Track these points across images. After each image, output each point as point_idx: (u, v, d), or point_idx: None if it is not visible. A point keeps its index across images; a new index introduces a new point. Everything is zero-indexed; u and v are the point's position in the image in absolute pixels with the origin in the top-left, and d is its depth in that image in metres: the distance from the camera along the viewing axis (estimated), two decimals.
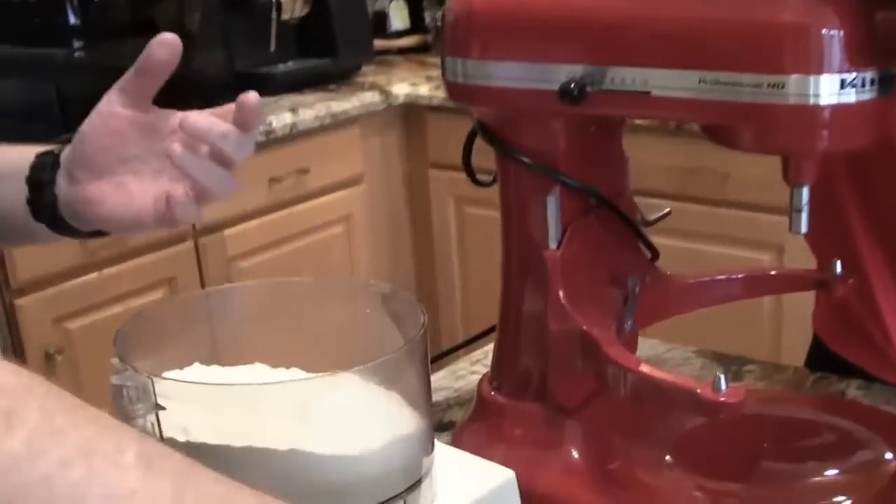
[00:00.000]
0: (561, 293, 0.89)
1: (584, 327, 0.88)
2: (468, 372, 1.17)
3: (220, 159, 0.85)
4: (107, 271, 2.18)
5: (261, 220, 2.46)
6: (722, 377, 0.76)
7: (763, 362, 1.16)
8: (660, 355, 1.18)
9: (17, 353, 2.06)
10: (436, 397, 1.12)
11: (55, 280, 2.11)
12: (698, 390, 0.77)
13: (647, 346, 1.18)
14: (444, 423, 1.07)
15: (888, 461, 0.93)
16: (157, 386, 0.68)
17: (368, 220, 2.71)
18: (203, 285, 2.34)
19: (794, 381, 1.12)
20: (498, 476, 0.81)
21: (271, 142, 2.41)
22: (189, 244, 2.31)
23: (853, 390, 1.09)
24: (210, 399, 0.68)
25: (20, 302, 2.08)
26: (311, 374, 0.70)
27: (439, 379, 1.16)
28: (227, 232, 2.39)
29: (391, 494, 0.73)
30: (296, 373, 0.79)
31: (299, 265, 2.50)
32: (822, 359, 1.15)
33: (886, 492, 0.89)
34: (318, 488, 0.70)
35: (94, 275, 2.16)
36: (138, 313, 0.76)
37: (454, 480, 0.79)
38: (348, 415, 0.71)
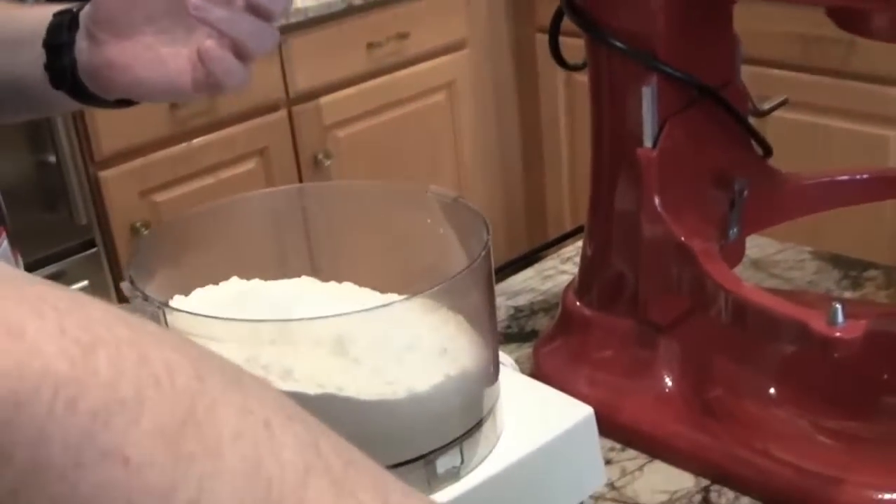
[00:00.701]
0: (656, 197, 0.77)
1: (682, 237, 0.76)
2: (557, 272, 1.06)
3: (256, 9, 0.73)
4: (196, 142, 2.10)
5: (358, 88, 2.35)
6: (839, 308, 0.64)
7: (888, 267, 1.02)
8: (770, 256, 1.05)
9: (103, 227, 2.00)
10: (520, 301, 1.02)
11: (142, 151, 2.03)
12: (809, 323, 0.65)
13: (757, 245, 1.05)
14: (526, 331, 0.97)
15: None
16: (168, 317, 0.58)
17: (472, 88, 2.58)
18: (297, 156, 2.24)
19: None
20: (575, 413, 0.71)
21: (370, 4, 2.28)
22: (282, 113, 2.22)
23: None
24: (225, 333, 0.58)
25: (105, 174, 2.01)
26: (347, 308, 0.59)
27: (525, 280, 1.05)
28: (323, 100, 2.29)
29: (444, 441, 0.63)
30: (344, 290, 0.69)
31: (399, 135, 2.40)
32: None
33: None
34: (355, 439, 0.60)
35: (182, 145, 2.08)
36: (163, 223, 0.66)
37: (523, 417, 0.69)
38: (392, 350, 0.61)
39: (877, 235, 2.05)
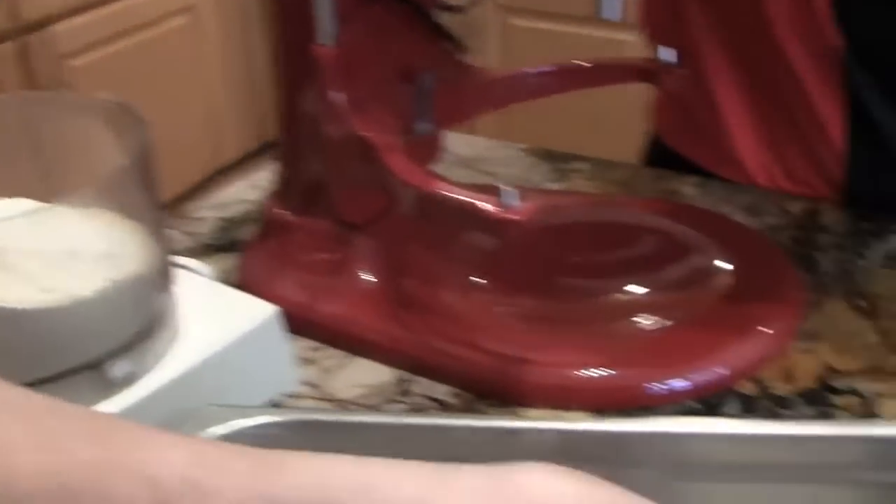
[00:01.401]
0: (337, 94, 0.76)
1: (363, 132, 0.75)
2: (269, 182, 1.04)
3: None
4: None
5: (94, 13, 2.26)
6: (508, 190, 0.65)
7: (595, 159, 1.05)
8: (480, 154, 1.06)
9: None
10: (229, 212, 1.00)
11: None
12: (481, 206, 0.66)
13: (468, 143, 1.06)
14: (235, 241, 0.95)
15: (720, 269, 0.84)
16: None
17: (216, 12, 2.52)
18: (31, 88, 2.16)
19: (627, 180, 1.02)
20: (258, 314, 0.70)
21: None
22: (8, 45, 2.12)
23: (689, 188, 0.99)
24: None
25: None
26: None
27: (237, 191, 1.03)
28: (57, 27, 2.19)
29: (114, 347, 0.61)
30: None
31: (140, 63, 2.33)
32: (659, 155, 1.05)
33: (718, 303, 0.81)
34: (17, 349, 0.58)
35: None
36: None
37: (206, 321, 0.68)
38: (50, 257, 0.59)
39: (586, 129, 2.11)
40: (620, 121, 2.06)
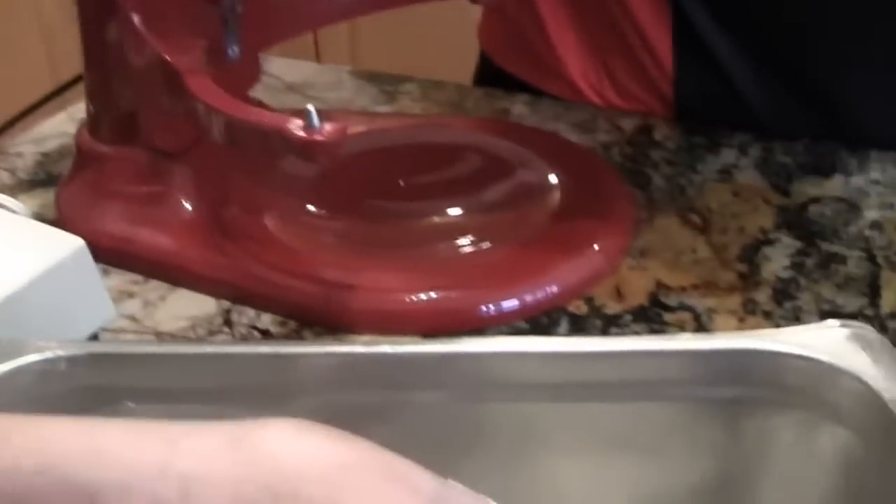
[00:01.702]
0: (136, 17, 0.72)
1: (167, 58, 0.72)
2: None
3: None
4: None
5: None
6: (313, 112, 0.62)
7: (423, 80, 1.02)
8: (308, 79, 1.03)
9: None
10: (47, 146, 0.96)
11: None
12: (288, 129, 0.63)
13: (294, 68, 1.03)
14: (53, 176, 0.91)
15: (548, 187, 0.83)
16: None
17: None
18: None
19: (456, 100, 1.00)
20: (63, 248, 0.67)
21: None
22: None
23: (520, 106, 0.98)
24: None
25: None
26: None
27: (56, 125, 0.99)
28: None
29: None
30: None
31: None
32: (489, 75, 1.04)
33: (547, 222, 0.80)
34: None
35: None
36: None
37: (10, 257, 0.64)
38: None
39: (418, 50, 2.06)
40: (453, 40, 2.02)
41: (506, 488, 0.56)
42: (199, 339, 0.70)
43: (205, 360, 0.51)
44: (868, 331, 0.52)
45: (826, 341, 0.52)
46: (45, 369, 0.51)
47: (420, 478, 0.42)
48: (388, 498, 0.40)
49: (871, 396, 0.50)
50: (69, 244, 0.68)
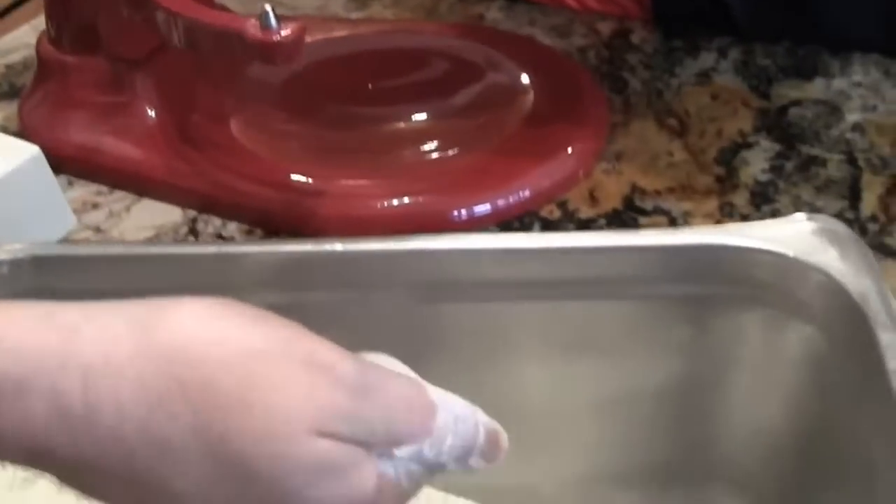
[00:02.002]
0: None
1: None
2: None
3: None
4: None
5: None
6: (270, 12, 0.60)
7: None
8: None
9: None
10: (11, 58, 0.94)
11: None
12: (244, 31, 0.62)
13: None
14: (17, 87, 0.89)
15: (522, 92, 0.81)
16: None
17: None
18: None
19: (429, 5, 0.97)
20: (18, 155, 0.65)
21: None
22: None
23: (494, 12, 0.96)
24: None
25: None
26: None
27: (19, 36, 0.97)
28: None
29: None
30: None
31: None
32: None
33: (520, 126, 0.79)
34: None
35: None
36: None
37: None
38: None
39: None
40: None
41: (468, 389, 0.55)
42: (148, 242, 0.68)
43: (150, 262, 0.50)
44: (837, 225, 0.51)
45: (793, 236, 0.51)
46: None
47: (344, 366, 0.39)
48: (304, 389, 0.38)
49: (838, 291, 0.49)
50: (25, 152, 0.66)
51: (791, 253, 0.49)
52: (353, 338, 0.45)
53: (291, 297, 0.50)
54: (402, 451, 0.41)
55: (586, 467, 0.57)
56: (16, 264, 0.49)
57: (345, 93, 0.80)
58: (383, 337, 0.47)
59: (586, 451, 0.57)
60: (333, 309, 0.50)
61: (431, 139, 0.77)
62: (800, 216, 0.50)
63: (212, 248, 0.50)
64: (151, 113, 0.78)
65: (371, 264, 0.49)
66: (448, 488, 0.59)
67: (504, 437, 0.44)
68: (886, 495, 0.44)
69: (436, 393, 0.42)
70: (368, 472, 0.40)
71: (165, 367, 0.37)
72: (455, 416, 0.42)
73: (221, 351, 0.37)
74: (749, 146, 0.79)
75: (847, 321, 0.48)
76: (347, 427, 0.39)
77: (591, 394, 0.55)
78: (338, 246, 0.48)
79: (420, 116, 0.79)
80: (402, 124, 0.79)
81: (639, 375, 0.55)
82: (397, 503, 0.42)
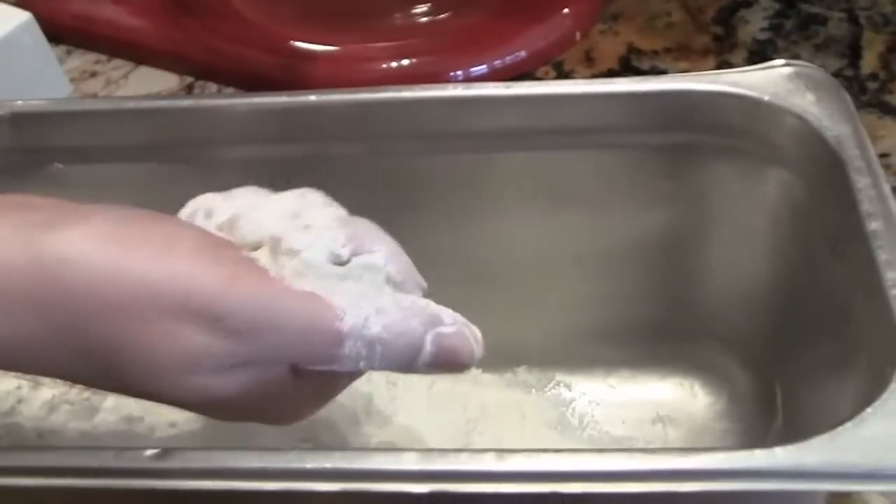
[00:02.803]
0: None
1: None
2: None
3: None
4: None
5: None
6: None
7: None
8: None
9: None
10: None
11: None
12: None
13: None
14: None
15: None
16: None
17: None
18: None
19: None
20: (12, 19, 0.65)
21: None
22: None
23: None
24: None
25: None
26: None
27: None
28: None
29: None
30: None
31: None
32: None
33: None
34: None
35: None
36: None
37: None
38: None
39: None
40: None
41: (450, 242, 0.55)
42: (124, 97, 0.69)
43: (128, 116, 0.50)
44: (815, 70, 0.51)
45: (769, 81, 0.50)
46: None
47: (222, 307, 0.37)
48: (174, 345, 0.37)
49: (813, 135, 0.48)
50: (17, 18, 0.66)
51: (766, 98, 0.48)
52: (325, 190, 0.45)
53: (267, 150, 0.50)
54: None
55: (572, 323, 0.58)
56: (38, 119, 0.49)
57: None
58: (357, 189, 0.47)
59: (571, 306, 0.57)
60: (307, 161, 0.50)
61: (426, 1, 0.76)
62: (778, 62, 0.50)
63: (184, 102, 0.50)
64: None
65: (344, 116, 0.49)
66: None
67: (468, 350, 0.40)
68: (867, 342, 0.44)
69: (364, 306, 0.38)
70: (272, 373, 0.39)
71: (56, 299, 0.36)
72: (377, 338, 0.38)
73: (98, 295, 0.36)
74: (748, 5, 0.78)
75: (823, 166, 0.48)
76: (230, 360, 0.38)
77: (573, 247, 0.55)
78: (311, 97, 0.48)
79: None
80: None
81: (620, 229, 0.55)
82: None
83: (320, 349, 0.38)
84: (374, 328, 0.38)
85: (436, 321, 0.39)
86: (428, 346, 0.39)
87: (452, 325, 0.39)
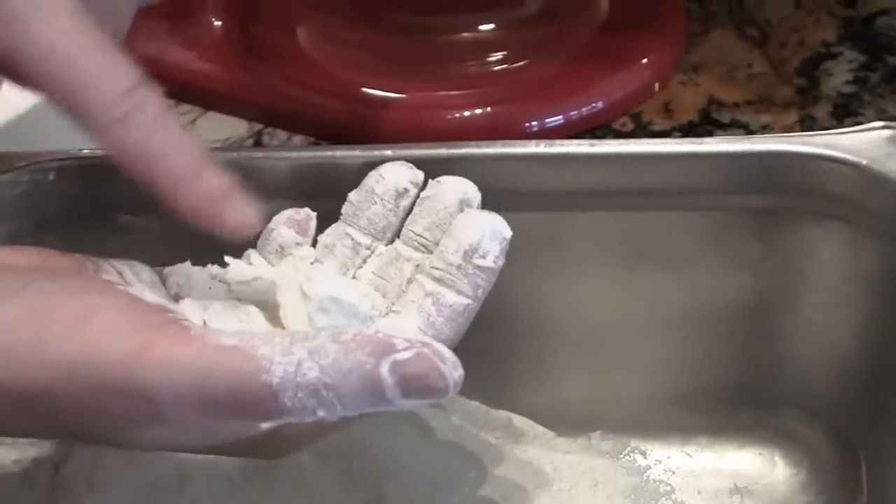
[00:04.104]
0: None
1: None
2: None
3: None
4: None
5: None
6: None
7: None
8: None
9: None
10: None
11: None
12: None
13: None
14: None
15: None
16: None
17: None
18: None
19: None
20: None
21: None
22: None
23: None
24: None
25: None
26: None
27: None
28: None
29: None
30: None
31: None
32: None
33: (593, 35, 0.77)
34: None
35: None
36: None
37: None
38: None
39: None
40: None
41: (525, 301, 0.53)
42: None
43: None
44: None
45: (867, 144, 0.48)
46: (34, 180, 0.49)
47: (133, 379, 0.35)
48: (105, 411, 0.36)
49: None
50: None
51: (864, 162, 0.46)
52: None
53: (337, 204, 0.48)
54: None
55: (649, 388, 0.56)
56: (62, 172, 0.49)
57: (413, 0, 0.78)
58: None
59: (648, 370, 0.55)
60: None
61: (501, 49, 0.75)
62: (876, 124, 0.48)
63: (257, 154, 0.48)
64: (217, 23, 0.77)
65: (424, 171, 0.47)
66: (508, 406, 0.58)
67: (437, 373, 0.35)
68: None
69: (295, 351, 0.35)
70: None
71: None
72: (318, 383, 0.34)
73: (19, 379, 0.36)
74: (832, 56, 0.75)
75: None
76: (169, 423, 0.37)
77: (654, 311, 0.53)
78: (387, 152, 0.47)
79: (490, 25, 0.77)
80: (471, 33, 0.77)
81: (703, 292, 0.53)
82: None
83: (255, 407, 0.35)
84: (311, 373, 0.34)
85: (386, 349, 0.34)
86: (387, 379, 0.34)
87: (407, 349, 0.34)
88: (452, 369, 0.35)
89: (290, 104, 0.73)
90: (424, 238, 0.44)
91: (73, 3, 0.39)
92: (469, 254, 0.41)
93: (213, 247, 0.42)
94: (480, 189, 0.48)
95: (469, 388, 0.59)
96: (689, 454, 0.58)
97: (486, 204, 0.48)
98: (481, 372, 0.57)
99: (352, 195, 0.45)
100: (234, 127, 0.75)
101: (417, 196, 0.46)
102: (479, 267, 0.41)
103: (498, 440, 0.57)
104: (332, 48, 0.76)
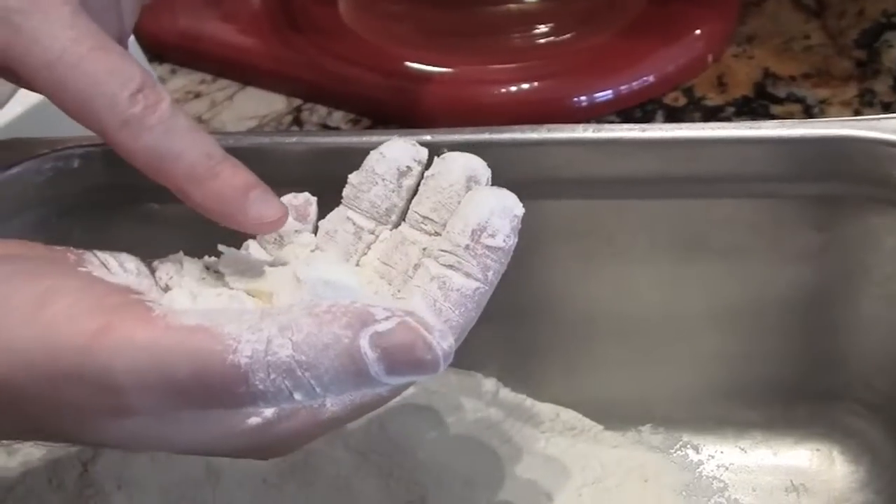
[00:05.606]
0: None
1: None
2: None
3: None
4: None
5: None
6: None
7: None
8: None
9: None
10: None
11: None
12: None
13: None
14: None
15: None
16: None
17: None
18: None
19: None
20: None
21: None
22: None
23: None
24: None
25: None
26: None
27: None
28: None
29: None
30: None
31: None
32: None
33: (643, 8, 0.74)
34: None
35: None
36: None
37: None
38: None
39: None
40: None
41: (575, 290, 0.51)
42: (223, 133, 0.65)
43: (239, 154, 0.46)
44: None
45: None
46: (58, 167, 0.47)
47: (92, 364, 0.33)
48: (67, 401, 0.34)
49: None
50: None
51: None
52: None
53: None
54: None
55: (702, 380, 0.53)
56: (87, 158, 0.47)
57: None
58: None
59: (701, 362, 0.53)
60: None
61: (549, 21, 0.72)
62: None
63: (291, 139, 0.46)
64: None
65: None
66: (554, 399, 0.56)
67: (423, 343, 0.31)
68: None
69: (264, 327, 0.31)
70: None
71: None
72: (291, 362, 0.31)
73: None
74: (893, 27, 0.72)
75: None
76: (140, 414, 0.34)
77: (708, 302, 0.51)
78: (426, 137, 0.44)
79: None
80: (517, 4, 0.74)
81: (760, 283, 0.50)
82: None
83: (223, 392, 0.31)
84: (283, 351, 0.31)
85: (365, 319, 0.31)
86: (368, 353, 0.31)
87: (388, 318, 0.31)
88: (440, 339, 0.31)
89: (331, 79, 0.71)
90: (431, 219, 0.41)
91: (77, 8, 0.38)
92: (477, 233, 0.37)
93: (240, 236, 0.40)
94: (524, 176, 0.45)
95: (514, 380, 0.58)
96: (743, 449, 0.56)
97: (533, 191, 0.46)
98: (527, 364, 0.56)
99: (352, 177, 0.42)
100: (272, 103, 0.73)
101: (422, 175, 0.43)
102: (488, 247, 0.37)
103: (544, 434, 0.55)
104: (374, 21, 0.74)
